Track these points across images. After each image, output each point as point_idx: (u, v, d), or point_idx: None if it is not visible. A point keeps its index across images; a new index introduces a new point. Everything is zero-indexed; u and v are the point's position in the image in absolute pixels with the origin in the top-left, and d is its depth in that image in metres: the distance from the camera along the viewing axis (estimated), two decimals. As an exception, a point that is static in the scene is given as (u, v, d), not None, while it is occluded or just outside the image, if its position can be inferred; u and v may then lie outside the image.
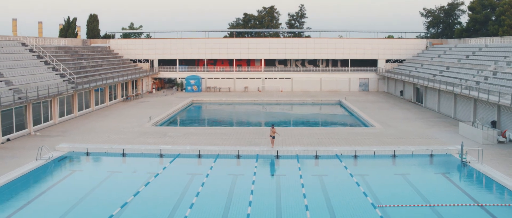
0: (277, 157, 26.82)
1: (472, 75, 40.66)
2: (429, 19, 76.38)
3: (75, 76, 42.30)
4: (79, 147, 28.55)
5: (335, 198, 19.86)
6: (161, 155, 27.16)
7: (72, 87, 40.37)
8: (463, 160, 25.39)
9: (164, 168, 24.39)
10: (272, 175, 24.47)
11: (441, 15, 74.65)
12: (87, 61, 52.55)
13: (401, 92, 56.73)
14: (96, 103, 47.20)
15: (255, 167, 24.44)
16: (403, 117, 41.49)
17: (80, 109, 43.33)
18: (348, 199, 19.69)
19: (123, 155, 27.42)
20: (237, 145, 28.75)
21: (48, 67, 42.10)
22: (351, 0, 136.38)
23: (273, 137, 27.32)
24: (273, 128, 27.42)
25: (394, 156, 27.07)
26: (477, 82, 37.63)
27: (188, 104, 52.24)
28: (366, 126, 38.06)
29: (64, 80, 40.62)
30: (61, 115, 39.60)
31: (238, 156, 26.89)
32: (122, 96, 54.56)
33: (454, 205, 19.20)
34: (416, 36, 72.05)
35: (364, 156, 27.00)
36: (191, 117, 47.38)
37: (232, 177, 23.22)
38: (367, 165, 26.05)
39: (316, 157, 26.91)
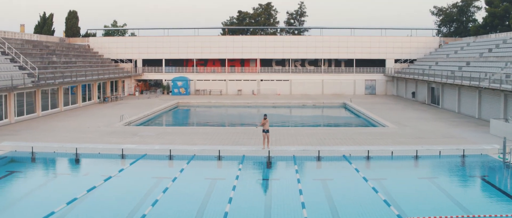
0: (269, 158, 21.88)
1: (499, 68, 35.93)
2: (441, 17, 71.91)
3: (37, 70, 37.45)
4: (23, 146, 23.72)
5: (346, 208, 14.93)
6: (122, 156, 22.22)
7: (33, 81, 35.56)
8: (506, 160, 20.50)
9: (121, 170, 19.42)
10: (262, 179, 19.50)
11: (453, 11, 70.15)
12: (58, 58, 47.82)
13: (413, 94, 51.95)
14: (66, 104, 42.36)
15: (239, 169, 19.47)
16: (418, 116, 36.67)
17: (44, 108, 38.50)
18: (364, 209, 14.73)
19: (76, 155, 22.48)
20: (220, 145, 23.87)
21: (6, 58, 37.33)
22: (355, 2, 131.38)
23: (266, 131, 22.33)
24: (265, 119, 22.44)
25: (416, 157, 22.15)
26: (508, 75, 32.86)
27: (172, 107, 47.39)
28: (376, 126, 33.19)
29: (23, 73, 35.75)
30: (20, 113, 34.78)
31: (219, 157, 21.95)
32: (99, 98, 49.73)
33: (505, 216, 14.30)
34: (432, 35, 67.25)
35: (379, 157, 22.08)
36: (172, 118, 42.47)
37: (209, 181, 18.36)
38: (383, 167, 21.17)
39: (318, 158, 21.99)
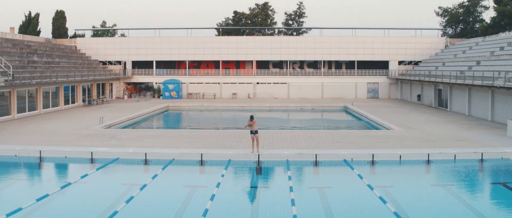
0: (259, 163, 19.42)
1: (514, 67, 33.55)
2: (446, 18, 69.64)
3: (12, 68, 34.99)
4: (-19, 149, 21.21)
5: (346, 222, 12.47)
6: (91, 160, 19.74)
7: (6, 81, 33.11)
8: (532, 166, 18.07)
9: (84, 176, 16.89)
10: (248, 187, 16.98)
11: (459, 12, 67.89)
12: (39, 57, 45.42)
13: (419, 96, 49.54)
14: (46, 106, 39.95)
15: (222, 175, 16.94)
16: (426, 119, 34.23)
17: (21, 110, 36.13)
18: (369, 223, 12.27)
19: (40, 159, 20.02)
20: (203, 148, 21.39)
21: (-24, 56, 34.93)
22: (356, 2, 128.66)
23: (255, 132, 19.87)
24: (252, 120, 20.00)
25: (428, 161, 19.67)
26: (524, 73, 30.43)
27: (161, 110, 44.92)
28: (380, 129, 30.72)
29: (-5, 72, 33.33)
30: (-8, 116, 32.41)
31: (201, 162, 19.47)
32: (84, 101, 47.28)
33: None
34: (437, 36, 64.84)
35: (385, 162, 19.59)
36: (158, 122, 39.88)
37: (188, 189, 15.86)
38: (391, 174, 18.72)
39: (316, 163, 19.52)
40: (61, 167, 19.45)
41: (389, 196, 14.69)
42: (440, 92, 44.08)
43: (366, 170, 18.47)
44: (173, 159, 19.47)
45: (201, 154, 19.76)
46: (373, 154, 19.87)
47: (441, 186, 16.70)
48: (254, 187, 16.71)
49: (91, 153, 20.12)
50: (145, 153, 19.91)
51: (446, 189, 16.29)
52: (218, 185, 15.38)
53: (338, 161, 19.56)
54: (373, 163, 19.51)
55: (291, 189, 15.20)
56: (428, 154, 19.94)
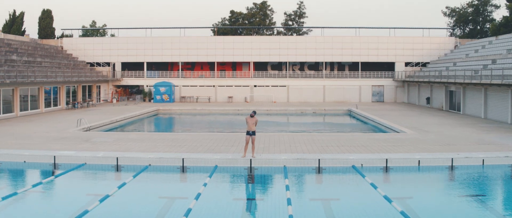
0: (251, 169, 16.63)
1: (536, 64, 30.88)
2: (454, 18, 67.12)
3: (-17, 66, 32.39)
4: None
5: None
6: (54, 165, 16.96)
7: (-26, 80, 30.47)
8: None
9: (36, 184, 14.10)
10: (237, 199, 14.17)
11: (468, 12, 65.39)
12: (19, 56, 42.75)
13: (428, 99, 46.82)
14: (24, 109, 37.26)
15: (205, 184, 14.13)
16: (439, 122, 31.51)
17: (-6, 113, 33.46)
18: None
19: (-6, 165, 17.26)
20: (188, 152, 18.62)
21: None
22: (359, 2, 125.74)
23: (252, 133, 17.12)
24: (253, 117, 17.28)
25: (452, 167, 16.89)
26: (550, 70, 27.78)
27: (150, 113, 42.13)
28: (391, 133, 27.95)
29: (-38, 70, 30.68)
30: (-41, 118, 29.64)
31: (182, 168, 16.68)
32: (67, 103, 44.54)
33: None
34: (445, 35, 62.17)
35: (401, 168, 16.81)
36: (144, 125, 36.98)
37: (163, 201, 13.12)
38: (409, 182, 15.92)
39: (319, 170, 16.75)
40: (14, 174, 16.67)
41: (410, 210, 11.93)
42: (452, 94, 41.38)
43: (380, 178, 15.73)
44: (149, 165, 16.69)
45: (183, 159, 16.97)
46: (386, 159, 17.10)
47: (472, 197, 13.95)
48: (243, 199, 13.92)
49: (54, 157, 17.34)
50: (117, 158, 17.11)
51: (477, 200, 13.54)
52: (197, 196, 12.58)
53: (346, 167, 16.79)
54: (386, 169, 16.73)
55: (289, 201, 12.43)
56: (452, 158, 17.16)
